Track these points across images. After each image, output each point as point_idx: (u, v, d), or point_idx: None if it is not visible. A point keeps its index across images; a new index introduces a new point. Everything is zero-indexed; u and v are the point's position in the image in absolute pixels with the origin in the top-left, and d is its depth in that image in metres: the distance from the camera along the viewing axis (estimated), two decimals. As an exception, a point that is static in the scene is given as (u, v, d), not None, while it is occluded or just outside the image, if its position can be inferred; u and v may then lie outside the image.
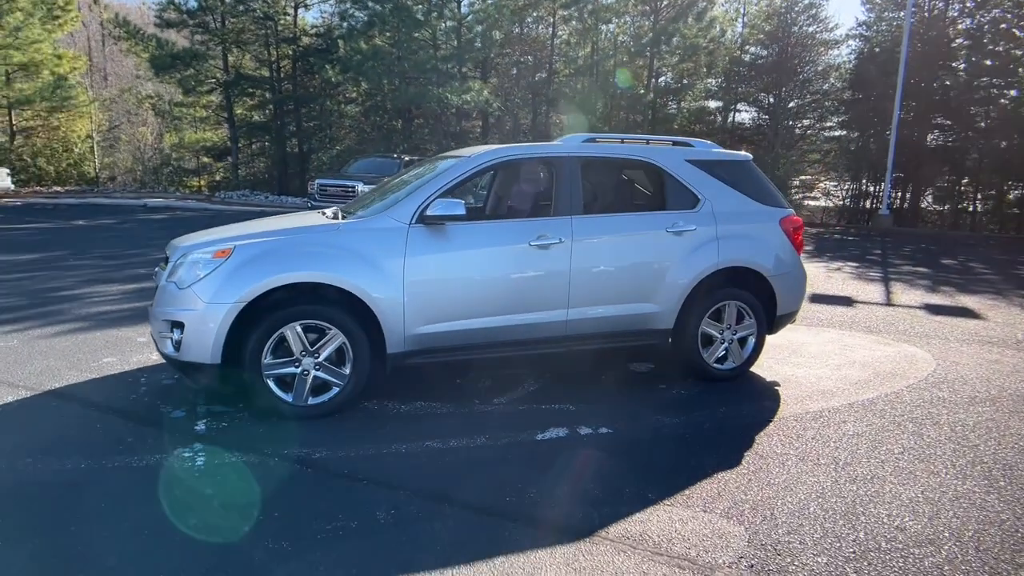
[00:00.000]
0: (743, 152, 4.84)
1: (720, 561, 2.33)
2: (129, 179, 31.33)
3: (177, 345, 3.43)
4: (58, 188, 25.57)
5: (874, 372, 4.75)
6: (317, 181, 15.67)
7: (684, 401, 4.04)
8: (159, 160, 32.52)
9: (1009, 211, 24.64)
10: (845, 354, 5.22)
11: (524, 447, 3.30)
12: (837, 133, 28.89)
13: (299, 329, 3.47)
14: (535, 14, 25.21)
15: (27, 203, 18.78)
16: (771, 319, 4.53)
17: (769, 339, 4.83)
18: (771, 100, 27.99)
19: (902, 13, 22.59)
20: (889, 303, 7.66)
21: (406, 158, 16.38)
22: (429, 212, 3.68)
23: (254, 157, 29.69)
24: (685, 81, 27.09)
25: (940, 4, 25.42)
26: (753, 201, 4.53)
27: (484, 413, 3.75)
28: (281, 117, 26.67)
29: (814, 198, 31.03)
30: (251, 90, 26.58)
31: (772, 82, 27.21)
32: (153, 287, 3.80)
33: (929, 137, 25.61)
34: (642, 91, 25.08)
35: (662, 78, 27.53)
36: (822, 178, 30.76)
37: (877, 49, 26.17)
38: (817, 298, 7.70)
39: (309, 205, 14.30)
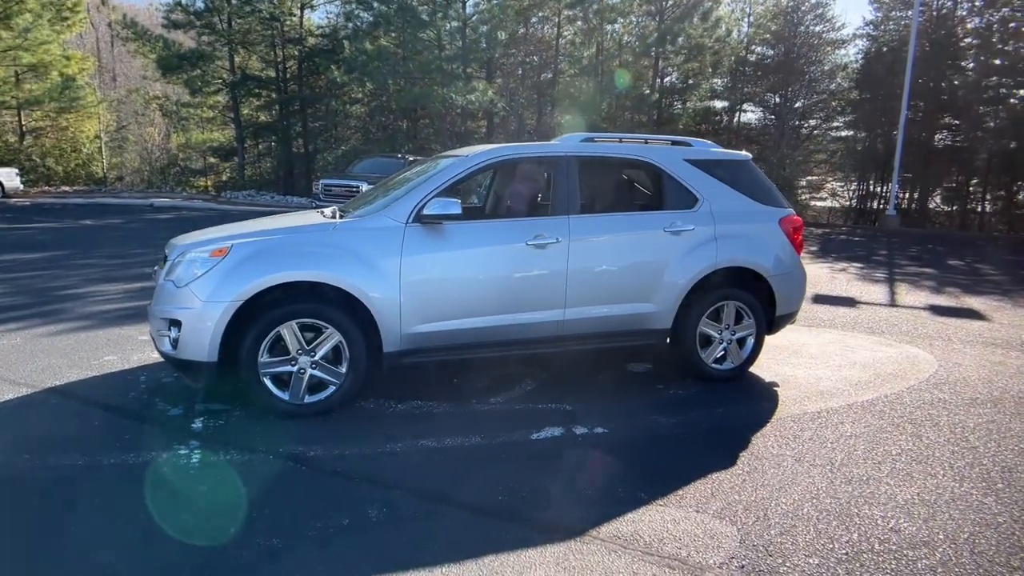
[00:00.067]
0: (743, 152, 4.82)
1: (711, 561, 2.33)
2: (136, 179, 31.55)
3: (175, 343, 3.45)
4: (66, 188, 25.79)
5: (875, 373, 4.72)
6: (322, 181, 15.75)
7: (681, 401, 4.03)
8: (166, 160, 32.74)
9: (1018, 212, 24.43)
10: (846, 355, 5.19)
11: (519, 446, 3.30)
12: (844, 133, 28.78)
13: (295, 328, 3.48)
14: (540, 14, 25.19)
15: (36, 203, 18.95)
16: (770, 319, 4.50)
17: (769, 340, 4.81)
18: (777, 100, 27.88)
19: (910, 12, 22.41)
20: (893, 304, 7.61)
21: (410, 158, 16.41)
22: (426, 211, 3.68)
23: (260, 157, 29.85)
24: (691, 81, 27.01)
25: (948, 3, 25.26)
26: (752, 201, 4.51)
27: (480, 412, 3.75)
28: (287, 117, 26.78)
29: (821, 198, 30.90)
30: (257, 91, 26.72)
31: (778, 82, 27.10)
32: (154, 286, 3.83)
33: (937, 137, 25.45)
34: (647, 91, 25.04)
35: (667, 78, 27.47)
36: (829, 178, 30.61)
37: (884, 48, 26.03)
38: (820, 299, 7.66)
39: (314, 205, 14.35)
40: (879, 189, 27.49)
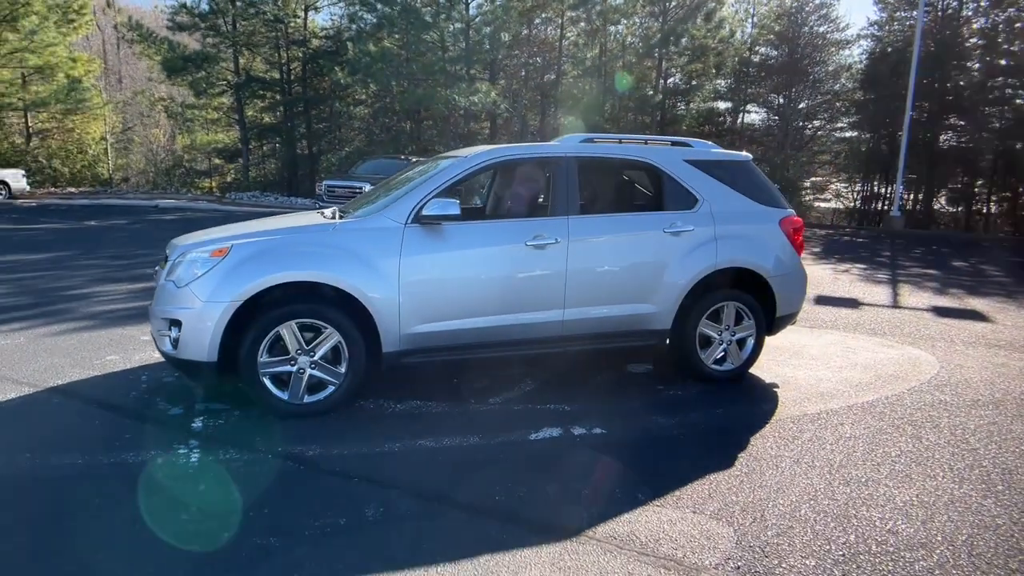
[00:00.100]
0: (743, 152, 4.81)
1: (707, 562, 2.32)
2: (142, 180, 31.71)
3: (175, 343, 3.47)
4: (72, 189, 25.95)
5: (876, 375, 4.70)
6: (325, 182, 15.81)
7: (680, 402, 4.02)
8: (171, 162, 32.90)
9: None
10: (847, 356, 5.18)
11: (517, 447, 3.30)
12: (848, 134, 28.70)
13: (295, 328, 3.49)
14: (543, 15, 25.22)
15: (42, 204, 19.06)
16: (770, 320, 4.49)
17: (770, 341, 4.81)
18: (781, 101, 27.83)
19: (915, 12, 22.36)
20: (895, 305, 7.58)
21: (414, 159, 16.43)
22: (424, 212, 3.69)
23: (265, 158, 29.95)
24: (694, 82, 27.00)
25: (954, 3, 25.16)
26: (752, 201, 4.50)
27: (479, 413, 3.75)
28: (291, 119, 26.87)
29: (825, 200, 30.82)
30: (262, 92, 26.83)
31: (782, 83, 27.06)
32: (155, 286, 3.85)
33: (942, 138, 25.34)
34: (650, 92, 25.01)
35: (671, 79, 27.45)
36: (833, 180, 30.52)
37: (889, 49, 25.95)
38: (822, 300, 7.64)
39: (317, 206, 14.39)
40: (883, 190, 27.40)
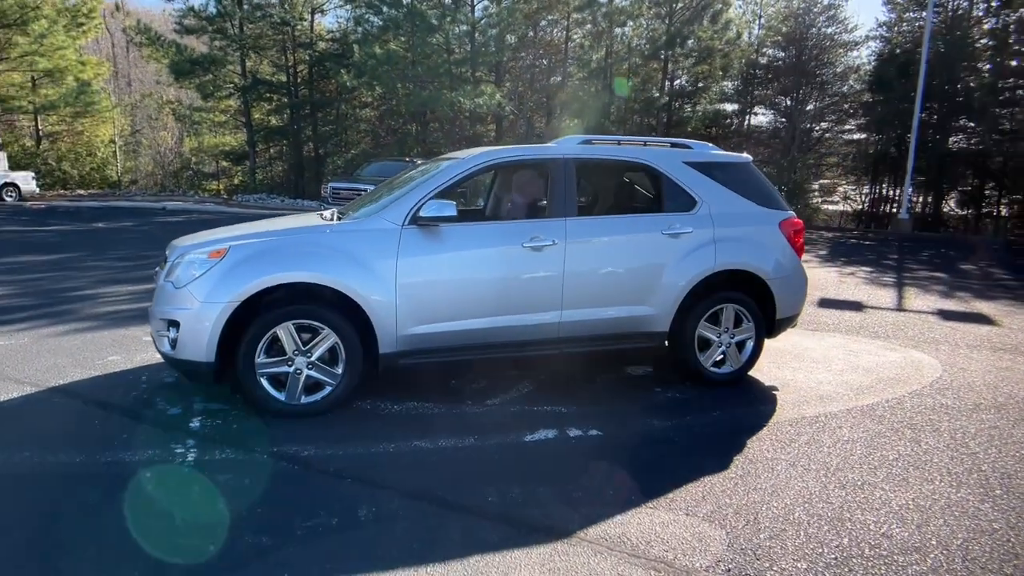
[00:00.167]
0: (743, 154, 4.79)
1: (697, 565, 2.31)
2: (150, 183, 31.96)
3: (173, 343, 3.49)
4: (81, 191, 26.20)
5: (877, 378, 4.67)
6: (330, 184, 15.88)
7: (678, 404, 4.01)
8: (179, 164, 33.15)
9: (1034, 215, 24.08)
10: (849, 359, 5.14)
11: (512, 448, 3.30)
12: (856, 136, 28.54)
13: (292, 328, 3.51)
14: (549, 17, 25.26)
15: (51, 206, 19.24)
16: (770, 323, 4.47)
17: (772, 343, 4.79)
18: (788, 103, 27.71)
19: (924, 13, 22.20)
20: (900, 308, 7.52)
21: (418, 161, 16.48)
22: (422, 213, 3.70)
23: (271, 161, 30.13)
24: (700, 84, 26.93)
25: (964, 4, 24.99)
26: (752, 203, 4.48)
27: (476, 414, 3.75)
28: (298, 121, 27.01)
29: (833, 202, 30.64)
30: (268, 95, 27.00)
31: (790, 84, 26.95)
32: (155, 287, 3.88)
33: (952, 140, 25.15)
34: (656, 94, 24.99)
35: (677, 81, 27.40)
36: (841, 182, 30.35)
37: (898, 50, 25.79)
38: (826, 303, 7.60)
39: (322, 208, 14.46)
40: (892, 193, 27.22)
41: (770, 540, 2.48)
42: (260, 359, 3.48)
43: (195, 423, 3.49)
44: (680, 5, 24.23)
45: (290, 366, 3.54)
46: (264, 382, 3.51)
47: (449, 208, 3.68)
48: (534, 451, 3.28)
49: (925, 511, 2.73)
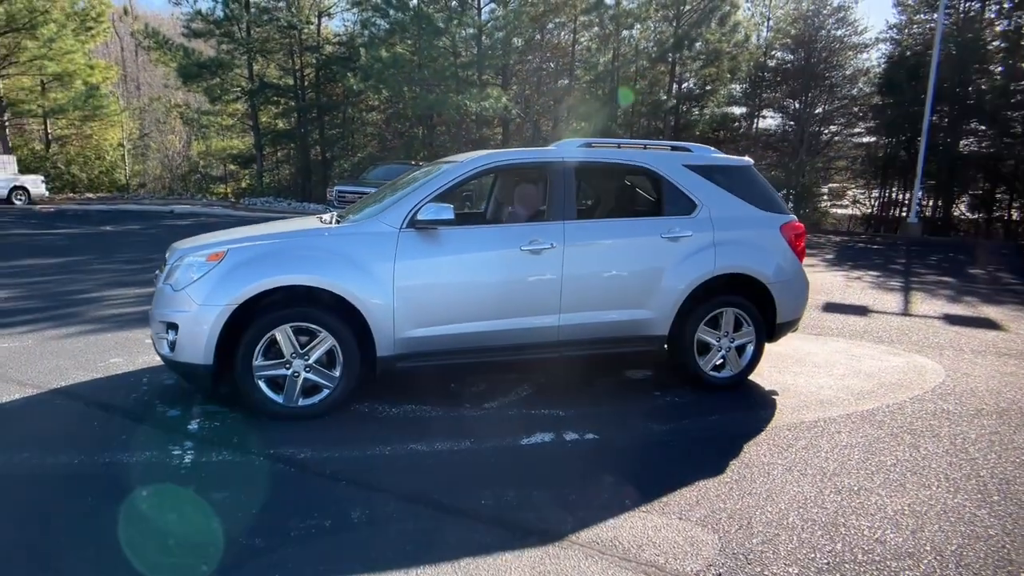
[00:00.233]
0: (744, 157, 4.78)
1: (688, 569, 2.31)
2: (158, 186, 32.26)
3: (172, 346, 3.52)
4: (90, 195, 26.44)
5: (878, 383, 4.64)
6: (336, 188, 15.98)
7: (676, 409, 4.00)
8: (187, 167, 33.43)
9: (1047, 219, 23.84)
10: (851, 364, 5.11)
11: (508, 452, 3.31)
12: (866, 139, 28.37)
13: (290, 331, 3.53)
14: (556, 20, 25.25)
15: (60, 209, 19.44)
16: (771, 327, 4.45)
17: (773, 348, 4.76)
18: (797, 106, 27.59)
19: (935, 15, 22.07)
20: (906, 313, 7.47)
21: (424, 165, 16.57)
22: (419, 217, 3.72)
23: (279, 164, 30.32)
24: (708, 87, 26.87)
25: (976, 5, 24.80)
26: (753, 207, 4.47)
27: (473, 417, 3.76)
28: (305, 125, 27.17)
29: (842, 206, 30.45)
30: (275, 98, 27.15)
31: (799, 87, 26.84)
32: (157, 289, 3.91)
33: (962, 143, 24.94)
34: (664, 97, 24.93)
35: (685, 84, 27.35)
36: (850, 185, 30.16)
37: (908, 53, 25.64)
38: (831, 307, 7.55)
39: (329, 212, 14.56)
40: (901, 196, 27.03)
41: (762, 545, 2.47)
42: (258, 362, 3.51)
43: (193, 425, 3.52)
44: (688, 7, 24.19)
45: (288, 369, 3.56)
46: (262, 384, 3.53)
47: (446, 211, 3.69)
48: (530, 455, 3.28)
49: (920, 517, 2.71)
